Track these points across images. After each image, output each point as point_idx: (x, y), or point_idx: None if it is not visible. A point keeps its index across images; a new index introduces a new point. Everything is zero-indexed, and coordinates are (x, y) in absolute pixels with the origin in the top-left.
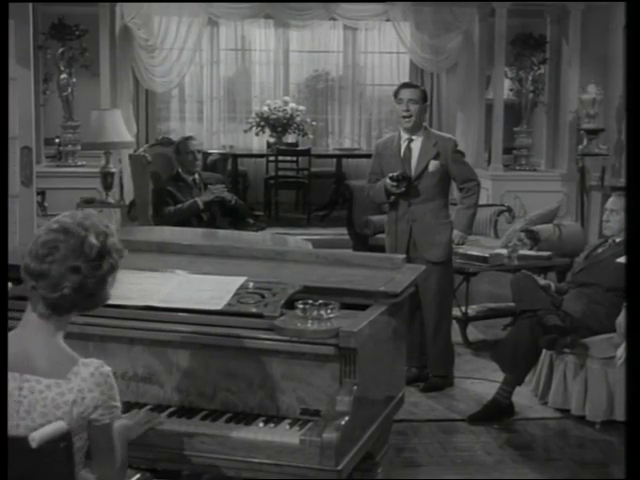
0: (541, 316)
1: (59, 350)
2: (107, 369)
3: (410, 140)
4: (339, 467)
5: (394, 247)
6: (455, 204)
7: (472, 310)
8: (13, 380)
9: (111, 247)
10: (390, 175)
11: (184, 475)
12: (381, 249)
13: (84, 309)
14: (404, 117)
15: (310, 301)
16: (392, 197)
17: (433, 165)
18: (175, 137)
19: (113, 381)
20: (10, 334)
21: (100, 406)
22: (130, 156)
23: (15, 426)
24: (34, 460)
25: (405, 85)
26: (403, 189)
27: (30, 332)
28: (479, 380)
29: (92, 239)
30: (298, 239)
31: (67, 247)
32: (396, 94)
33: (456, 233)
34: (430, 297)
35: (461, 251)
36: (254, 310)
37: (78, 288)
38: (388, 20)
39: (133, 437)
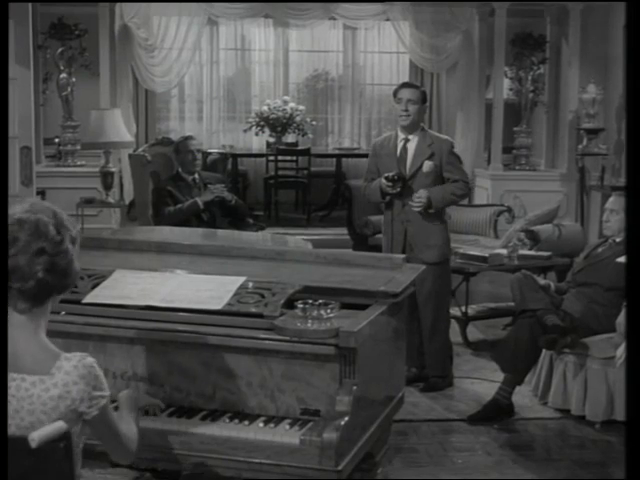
0: (541, 316)
1: (41, 347)
2: (90, 360)
3: (407, 140)
4: (339, 467)
5: (390, 248)
6: None
7: (472, 310)
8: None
9: (64, 221)
10: (385, 175)
11: (184, 475)
12: (381, 249)
13: (60, 291)
14: (401, 116)
15: (310, 301)
16: (387, 197)
17: (427, 166)
18: (175, 137)
19: (98, 371)
20: None
21: (86, 398)
22: (130, 156)
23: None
24: (34, 460)
25: (405, 85)
26: (398, 189)
27: (14, 331)
28: (479, 380)
29: (44, 218)
30: (298, 239)
31: (25, 234)
32: (395, 93)
33: (424, 192)
34: (426, 298)
35: (461, 251)
36: (254, 310)
37: (49, 269)
38: (388, 20)
39: (141, 403)
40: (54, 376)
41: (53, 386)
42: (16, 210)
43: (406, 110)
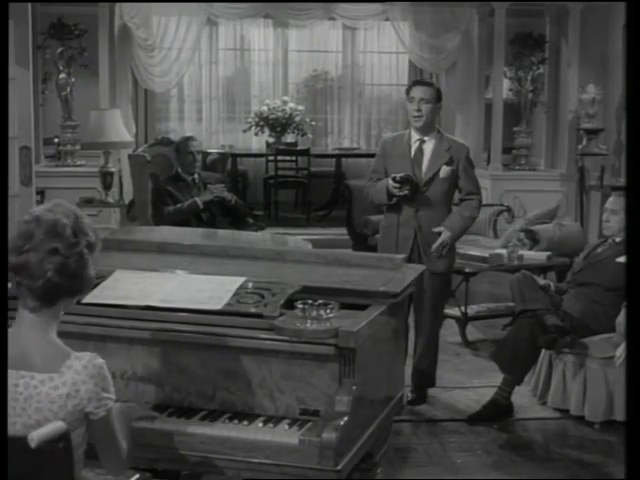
0: (540, 316)
1: (52, 345)
2: (100, 361)
3: (422, 141)
4: (338, 467)
5: (392, 252)
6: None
7: (472, 310)
8: (10, 377)
9: (84, 226)
10: (393, 176)
11: (184, 475)
12: None
13: (71, 294)
14: (414, 117)
15: (310, 301)
16: (394, 199)
17: (445, 171)
18: (174, 137)
19: (107, 373)
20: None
21: (94, 398)
22: (129, 156)
23: (12, 424)
24: (33, 460)
25: (417, 83)
26: (406, 192)
27: (23, 329)
28: (478, 380)
29: (64, 220)
30: (298, 239)
31: (41, 232)
32: (408, 91)
33: (446, 235)
34: (425, 306)
35: (461, 251)
36: (253, 310)
37: (60, 270)
38: (387, 20)
39: (133, 417)
40: (63, 374)
41: (62, 384)
42: (36, 209)
43: (419, 110)
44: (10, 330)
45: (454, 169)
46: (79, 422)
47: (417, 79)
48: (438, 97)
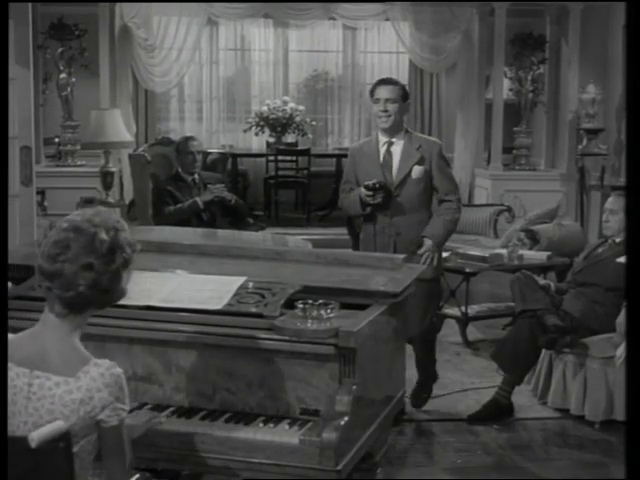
0: (541, 316)
1: (73, 349)
2: (118, 370)
3: (390, 143)
4: (338, 467)
5: None
6: None
7: (472, 310)
8: (23, 376)
9: (123, 241)
10: (365, 184)
11: (184, 475)
12: None
13: (100, 306)
14: (381, 117)
15: (310, 301)
16: (368, 208)
17: (417, 171)
18: (175, 137)
19: (124, 383)
20: (28, 331)
21: (107, 407)
22: (130, 156)
23: (23, 423)
24: (33, 460)
25: (382, 82)
26: (380, 200)
27: (47, 330)
28: (478, 380)
29: (102, 235)
30: (298, 239)
31: (78, 245)
32: (372, 92)
33: (428, 243)
34: (414, 313)
35: (461, 251)
36: (254, 310)
37: (92, 285)
38: (387, 20)
39: (134, 436)
40: (79, 379)
41: (77, 389)
42: (76, 216)
43: (385, 111)
44: (32, 329)
45: (427, 168)
46: (89, 429)
47: (381, 78)
48: (404, 96)
